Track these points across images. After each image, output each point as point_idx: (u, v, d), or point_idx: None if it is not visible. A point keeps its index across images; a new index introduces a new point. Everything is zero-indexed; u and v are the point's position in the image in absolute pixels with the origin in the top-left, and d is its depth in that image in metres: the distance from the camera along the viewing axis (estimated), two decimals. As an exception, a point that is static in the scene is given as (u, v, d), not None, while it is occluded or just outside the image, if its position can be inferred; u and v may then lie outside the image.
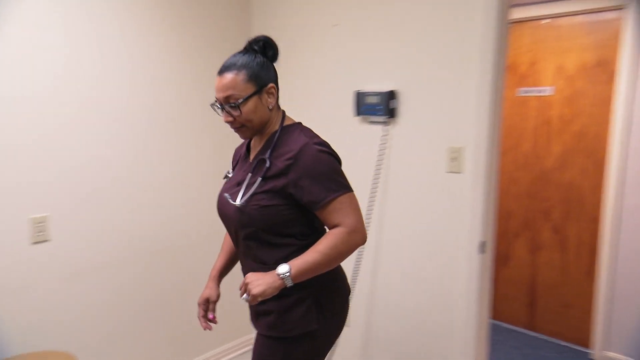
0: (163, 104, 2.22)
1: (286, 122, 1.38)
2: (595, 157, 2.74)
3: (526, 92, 3.02)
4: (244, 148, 1.46)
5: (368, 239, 2.21)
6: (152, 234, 2.25)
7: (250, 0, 2.61)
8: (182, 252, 2.41)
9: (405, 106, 2.04)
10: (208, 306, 1.45)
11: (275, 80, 1.34)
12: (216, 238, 2.21)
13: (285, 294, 1.27)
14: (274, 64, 1.35)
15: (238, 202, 1.30)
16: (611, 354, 2.70)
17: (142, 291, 2.23)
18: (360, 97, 2.14)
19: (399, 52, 2.05)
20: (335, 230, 1.24)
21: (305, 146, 1.26)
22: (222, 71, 1.29)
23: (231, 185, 1.39)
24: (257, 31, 2.62)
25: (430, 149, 1.99)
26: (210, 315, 1.44)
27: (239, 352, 2.79)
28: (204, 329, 1.44)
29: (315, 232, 1.34)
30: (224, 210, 1.36)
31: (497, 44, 1.77)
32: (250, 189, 1.29)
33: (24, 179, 1.76)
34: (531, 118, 3.02)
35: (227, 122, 1.30)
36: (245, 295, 1.20)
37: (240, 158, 1.47)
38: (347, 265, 2.34)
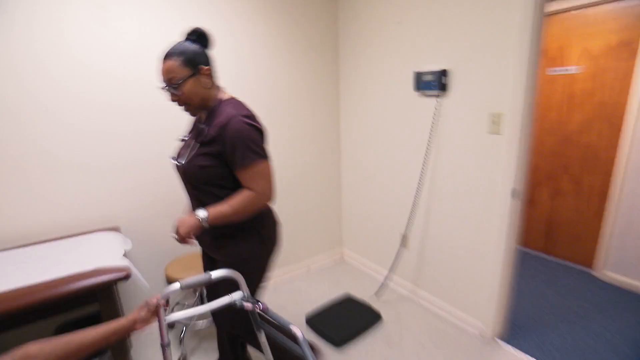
0: (286, 83, 2.77)
1: (224, 97, 1.42)
2: (612, 122, 2.75)
3: (554, 71, 3.01)
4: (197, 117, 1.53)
5: (423, 185, 2.41)
6: (288, 165, 2.76)
7: (338, 3, 2.85)
8: (312, 182, 2.99)
9: (454, 82, 2.12)
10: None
11: (209, 63, 1.38)
12: (330, 174, 2.93)
13: (235, 234, 1.42)
14: (208, 50, 1.41)
15: (182, 161, 1.40)
16: (608, 273, 2.88)
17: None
18: (418, 76, 2.30)
19: (449, 39, 2.11)
20: (246, 192, 1.33)
21: (232, 118, 1.31)
22: (163, 58, 1.33)
23: (183, 147, 1.47)
24: (342, 24, 2.89)
25: (475, 115, 2.05)
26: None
27: (329, 260, 3.24)
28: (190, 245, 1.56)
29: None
30: (177, 168, 1.45)
31: (533, 33, 1.78)
32: (192, 151, 1.39)
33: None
34: (557, 92, 3.00)
35: (173, 101, 1.37)
36: (175, 235, 1.32)
37: (194, 126, 1.53)
38: (405, 208, 2.58)
